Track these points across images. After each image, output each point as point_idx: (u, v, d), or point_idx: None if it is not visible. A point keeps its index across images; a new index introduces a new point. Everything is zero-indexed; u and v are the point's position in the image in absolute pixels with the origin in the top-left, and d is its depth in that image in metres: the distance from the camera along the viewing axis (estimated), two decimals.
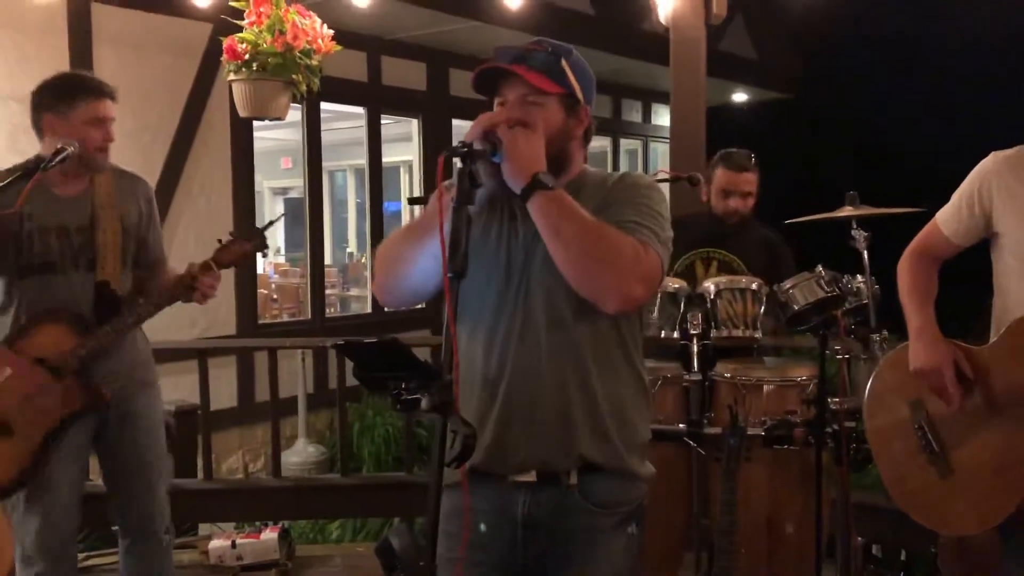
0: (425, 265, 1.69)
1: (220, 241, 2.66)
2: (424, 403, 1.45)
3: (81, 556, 3.49)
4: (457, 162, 1.60)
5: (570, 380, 1.73)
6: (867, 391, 2.46)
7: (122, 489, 2.73)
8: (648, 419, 1.87)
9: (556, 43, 1.79)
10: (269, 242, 2.77)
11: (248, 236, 2.68)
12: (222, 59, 3.68)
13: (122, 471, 2.71)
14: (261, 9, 3.57)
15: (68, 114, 2.54)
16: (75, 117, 2.54)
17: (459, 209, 1.54)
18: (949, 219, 2.32)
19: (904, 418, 2.33)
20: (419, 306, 8.43)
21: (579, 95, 1.78)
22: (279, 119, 3.78)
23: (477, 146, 1.61)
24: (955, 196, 2.33)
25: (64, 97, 2.56)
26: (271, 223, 2.79)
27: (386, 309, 8.64)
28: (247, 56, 3.56)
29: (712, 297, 2.87)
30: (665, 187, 4.61)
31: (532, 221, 1.71)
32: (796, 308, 2.76)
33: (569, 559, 1.76)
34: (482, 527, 1.76)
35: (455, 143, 1.64)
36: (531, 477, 1.75)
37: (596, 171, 1.88)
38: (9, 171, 2.50)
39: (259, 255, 2.81)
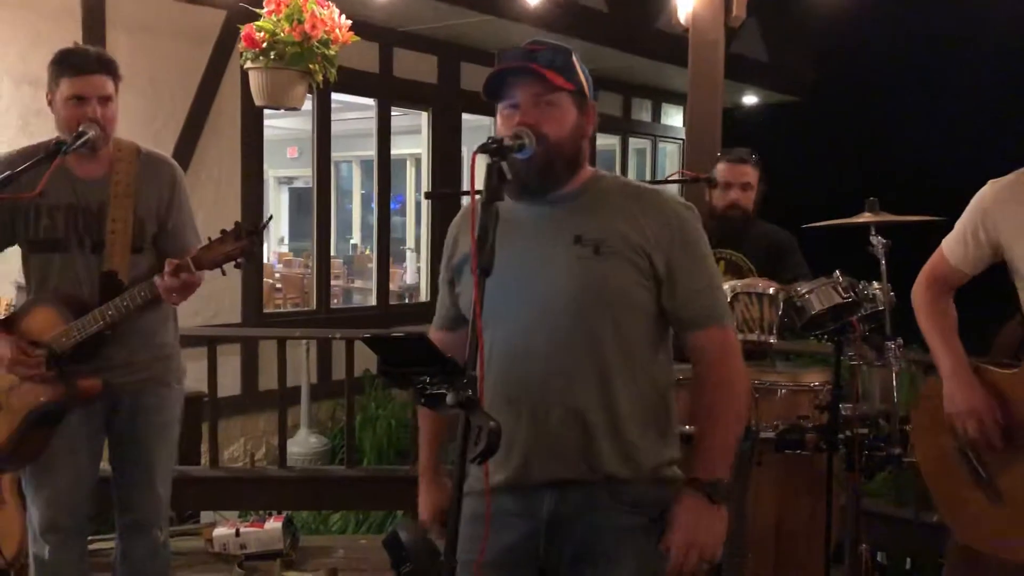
0: None
1: (209, 239, 2.44)
2: (449, 398, 1.44)
3: None
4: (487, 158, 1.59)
5: (595, 400, 1.74)
6: (911, 423, 2.49)
7: (123, 483, 2.66)
8: (675, 431, 1.87)
9: (556, 43, 1.78)
10: (273, 231, 2.57)
11: (236, 235, 2.40)
12: (238, 47, 3.67)
13: (125, 464, 2.65)
14: None
15: (56, 93, 2.48)
16: (59, 95, 2.47)
17: (487, 206, 1.54)
18: (955, 249, 2.34)
19: (949, 447, 2.35)
20: (423, 300, 8.42)
21: (587, 91, 1.78)
22: (295, 109, 3.76)
23: (507, 142, 1.61)
24: (958, 227, 2.35)
25: (52, 75, 2.49)
26: (263, 224, 2.55)
27: (391, 302, 8.63)
28: (265, 44, 3.54)
29: (728, 300, 2.86)
30: (674, 189, 4.60)
31: (537, 225, 1.77)
32: (812, 313, 2.75)
33: (595, 558, 1.76)
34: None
35: (464, 138, 1.64)
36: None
37: (613, 178, 1.87)
38: (30, 152, 2.48)
39: (262, 250, 2.62)
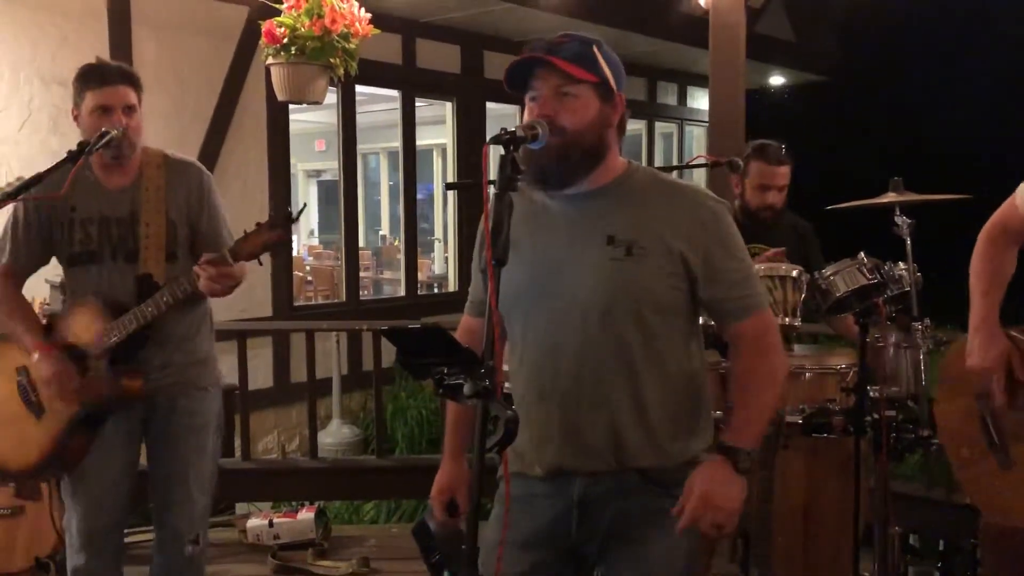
0: None
1: (245, 231, 2.43)
2: (466, 388, 1.46)
3: None
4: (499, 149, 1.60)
5: (624, 398, 1.76)
6: (939, 376, 2.45)
7: (159, 486, 2.65)
8: (709, 420, 1.89)
9: (584, 35, 1.79)
10: (303, 224, 2.58)
11: (272, 225, 2.42)
12: (260, 43, 3.70)
13: (161, 468, 2.64)
14: None
15: (81, 106, 2.51)
16: (84, 108, 2.50)
17: (501, 196, 1.55)
18: None
19: (970, 407, 2.32)
20: (451, 289, 8.44)
21: (612, 83, 1.77)
22: (317, 103, 3.79)
23: (519, 133, 1.61)
24: None
25: (76, 90, 2.53)
26: (295, 214, 2.51)
27: (419, 292, 8.67)
28: (285, 40, 3.57)
29: None
30: (702, 173, 4.57)
31: (569, 220, 1.78)
32: (837, 295, 2.73)
33: (626, 538, 1.78)
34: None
35: (488, 126, 1.65)
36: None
37: (645, 172, 1.86)
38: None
39: (292, 239, 2.61)
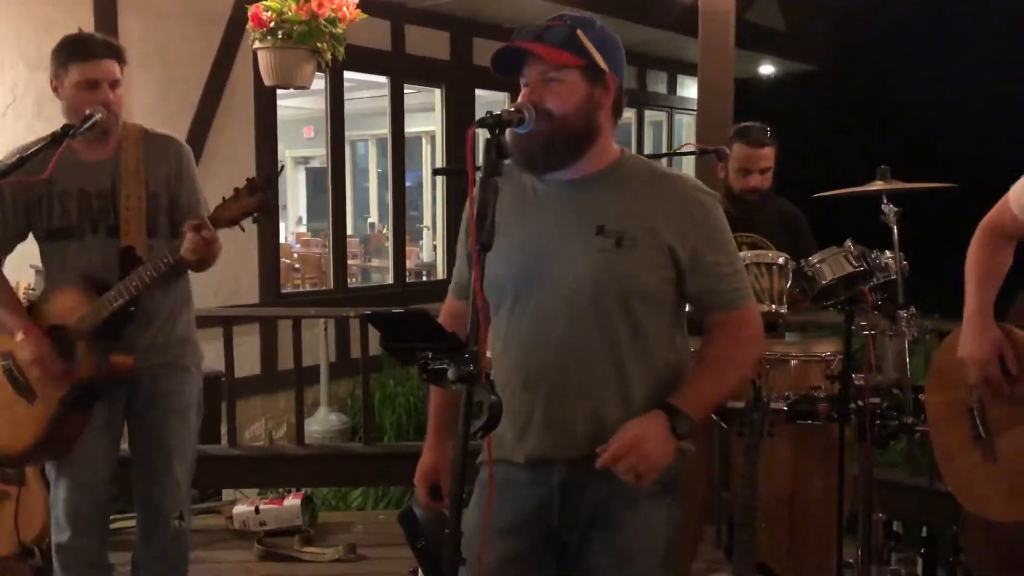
0: None
1: (224, 198, 2.41)
2: (450, 373, 1.46)
3: None
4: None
5: (610, 390, 1.76)
6: (930, 366, 2.46)
7: (142, 468, 2.66)
8: None
9: (575, 16, 1.76)
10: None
11: (251, 189, 2.38)
12: (247, 27, 3.68)
13: (144, 449, 2.66)
14: None
15: (64, 79, 2.48)
16: (68, 81, 2.47)
17: (486, 180, 1.54)
18: (1020, 195, 2.22)
19: (959, 398, 2.33)
20: (439, 277, 8.43)
21: (602, 64, 1.74)
22: (304, 87, 3.78)
23: (505, 117, 1.61)
24: None
25: (59, 62, 2.49)
26: (276, 174, 2.52)
27: (407, 280, 8.66)
28: (272, 24, 3.55)
29: None
30: (690, 160, 4.57)
31: (560, 207, 1.77)
32: (823, 283, 2.74)
33: (605, 523, 1.79)
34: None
35: (477, 113, 1.64)
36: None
37: (636, 161, 1.85)
38: (39, 140, 2.48)
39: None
